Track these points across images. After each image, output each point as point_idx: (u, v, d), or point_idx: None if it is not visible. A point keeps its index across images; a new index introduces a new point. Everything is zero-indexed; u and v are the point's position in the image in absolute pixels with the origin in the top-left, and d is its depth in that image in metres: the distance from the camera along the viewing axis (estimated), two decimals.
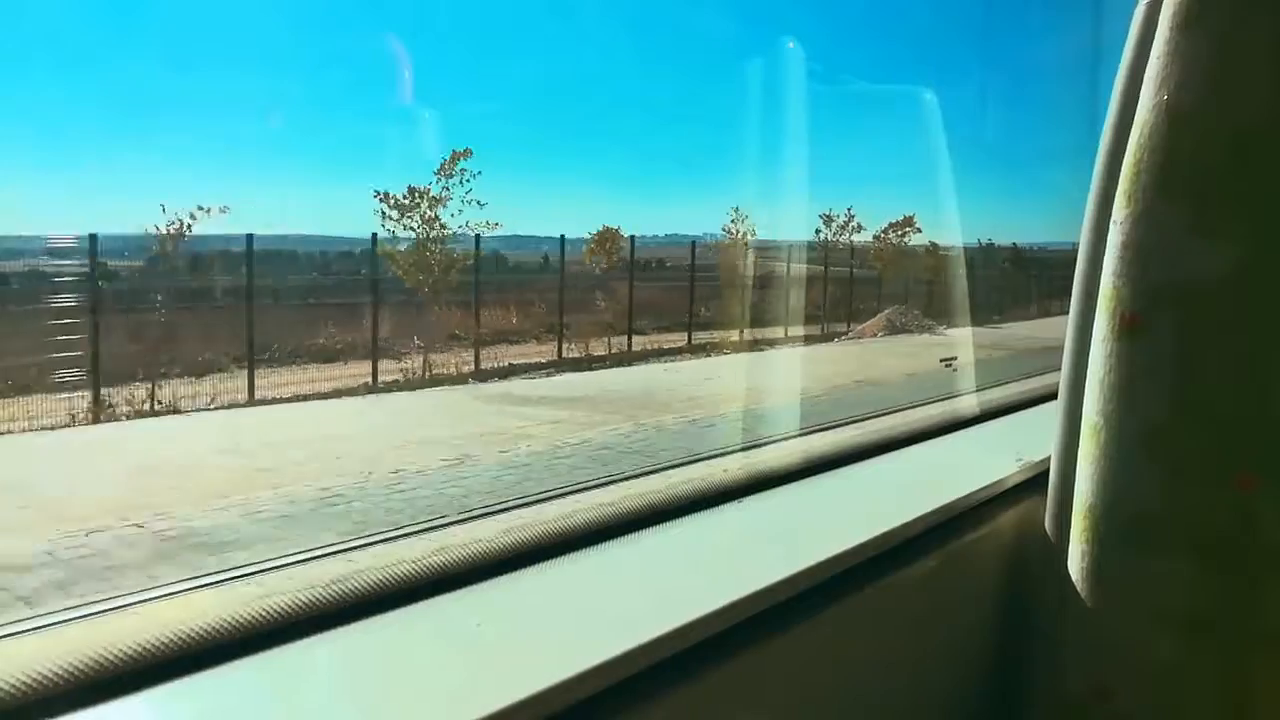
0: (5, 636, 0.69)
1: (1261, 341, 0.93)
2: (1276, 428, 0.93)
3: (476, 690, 0.59)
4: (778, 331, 13.87)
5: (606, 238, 14.36)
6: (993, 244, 17.98)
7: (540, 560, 0.79)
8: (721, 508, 0.99)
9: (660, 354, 12.90)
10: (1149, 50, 0.96)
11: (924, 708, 1.04)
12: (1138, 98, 0.96)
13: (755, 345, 13.17)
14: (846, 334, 15.27)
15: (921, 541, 1.00)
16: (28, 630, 0.70)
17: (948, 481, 1.12)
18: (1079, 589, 1.02)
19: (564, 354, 12.14)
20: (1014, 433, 1.45)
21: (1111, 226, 0.98)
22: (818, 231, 16.00)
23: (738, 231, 14.93)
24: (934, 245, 16.42)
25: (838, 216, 16.34)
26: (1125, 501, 0.98)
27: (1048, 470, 1.10)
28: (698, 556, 0.90)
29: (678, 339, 13.67)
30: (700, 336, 13.78)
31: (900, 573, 0.95)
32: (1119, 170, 0.98)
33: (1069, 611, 1.03)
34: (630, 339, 13.05)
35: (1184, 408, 0.95)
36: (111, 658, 0.56)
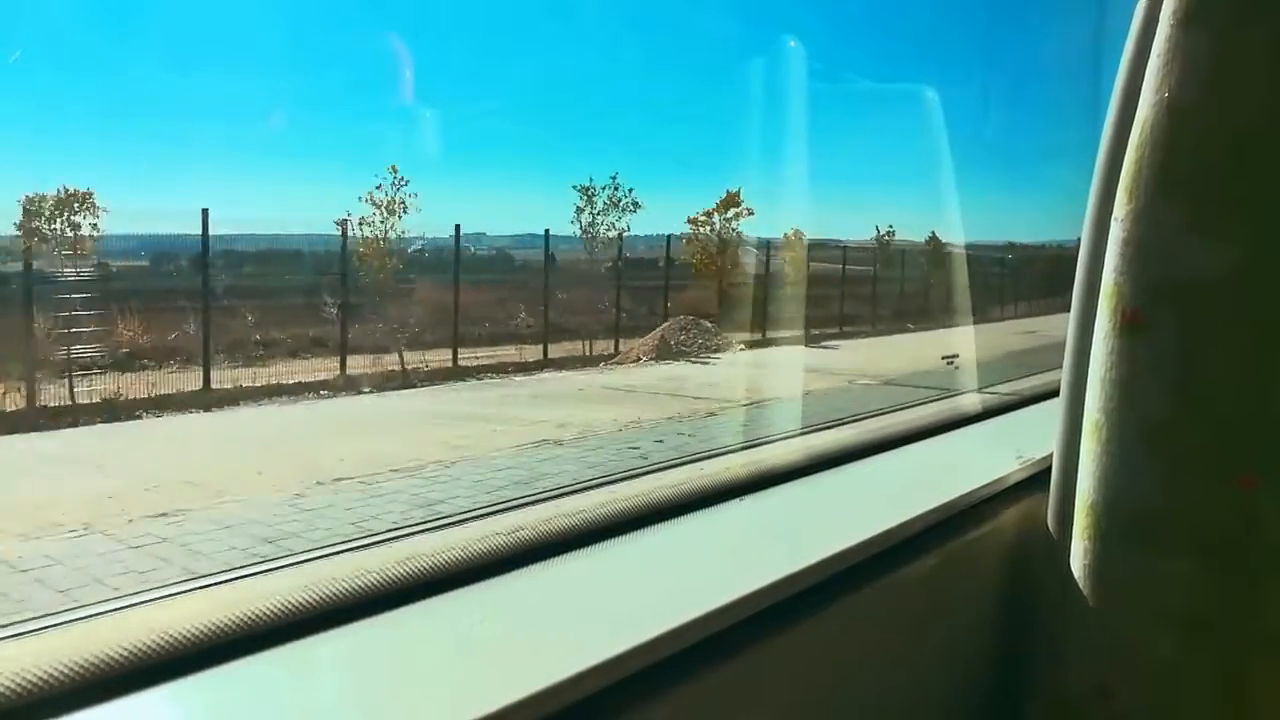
0: (10, 637, 0.69)
1: (1263, 338, 0.93)
2: (1278, 425, 0.93)
3: (479, 688, 0.60)
4: (517, 353, 11.25)
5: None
6: (892, 234, 15.12)
7: (542, 559, 0.79)
8: (723, 505, 0.99)
9: (267, 394, 8.88)
10: (1149, 47, 0.95)
11: (925, 706, 1.04)
12: (1138, 95, 0.96)
13: (433, 377, 10.11)
14: (614, 358, 11.96)
15: (923, 539, 1.00)
16: (34, 630, 0.71)
17: (949, 479, 1.12)
18: (1081, 587, 1.02)
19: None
20: (1016, 430, 1.45)
21: (1112, 223, 0.98)
22: (579, 210, 12.18)
23: (386, 203, 10.43)
24: (796, 234, 13.48)
25: (599, 190, 12.23)
26: (1127, 499, 0.98)
27: (1050, 468, 1.10)
28: (699, 554, 0.90)
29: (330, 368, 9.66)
30: (385, 361, 10.14)
31: (902, 570, 0.95)
32: (1120, 167, 0.97)
33: (1071, 610, 1.03)
34: (206, 372, 8.71)
35: (1185, 405, 0.95)
36: (116, 656, 0.56)
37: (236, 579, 0.79)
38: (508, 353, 11.55)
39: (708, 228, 13.48)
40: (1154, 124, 0.94)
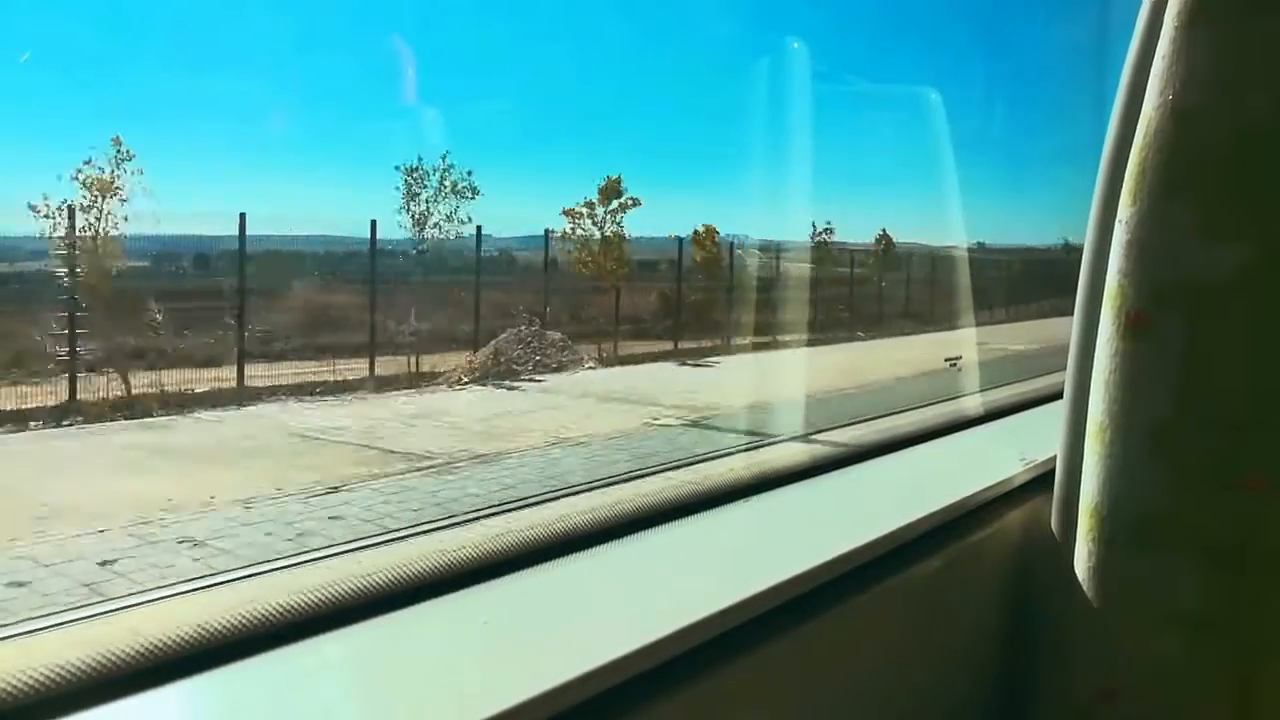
0: (20, 635, 0.69)
1: (1267, 340, 0.93)
2: None
3: (486, 688, 0.60)
4: (331, 370, 9.21)
5: None
6: (830, 232, 13.45)
7: (548, 559, 0.79)
8: (728, 507, 0.99)
9: None
10: (1154, 48, 0.96)
11: (930, 707, 1.04)
12: (1143, 96, 0.96)
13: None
14: (437, 380, 9.70)
15: (928, 541, 1.00)
16: (41, 629, 0.71)
17: (954, 481, 1.12)
18: (1085, 589, 1.02)
19: None
20: (1021, 432, 1.45)
21: (1117, 225, 0.98)
22: (409, 196, 10.13)
23: (98, 183, 7.67)
24: (708, 231, 11.93)
25: (429, 171, 10.14)
26: (1131, 501, 0.98)
27: (1054, 470, 1.10)
28: (704, 555, 0.91)
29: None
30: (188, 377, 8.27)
31: (907, 572, 0.95)
32: (1124, 168, 0.98)
33: (1075, 612, 1.03)
34: None
35: (1189, 407, 0.95)
36: (125, 655, 0.56)
37: (249, 576, 0.79)
38: (320, 370, 9.23)
39: (589, 221, 11.61)
40: (1158, 125, 0.94)
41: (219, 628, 0.60)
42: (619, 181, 11.53)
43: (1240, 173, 0.93)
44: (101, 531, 5.23)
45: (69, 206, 8.01)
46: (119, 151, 7.84)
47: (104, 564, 4.77)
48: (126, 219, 8.21)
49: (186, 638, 0.58)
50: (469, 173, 10.55)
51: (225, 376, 9.06)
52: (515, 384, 10.02)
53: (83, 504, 5.70)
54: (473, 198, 10.60)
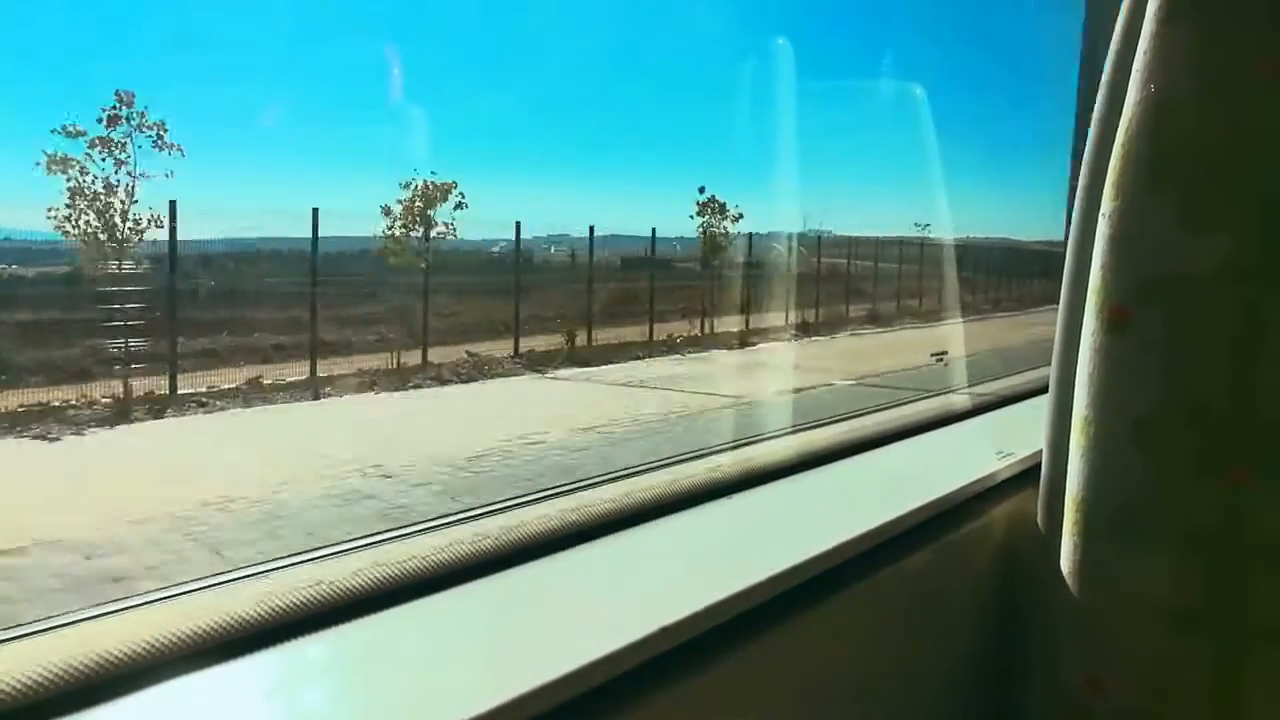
0: (11, 640, 0.69)
1: (1249, 333, 0.94)
2: (1265, 421, 0.94)
3: (469, 688, 0.60)
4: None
5: None
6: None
7: (531, 559, 0.79)
8: (713, 504, 0.99)
9: None
10: (1135, 43, 0.96)
11: (918, 701, 1.05)
12: (1125, 90, 0.97)
13: None
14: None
15: (915, 535, 1.00)
16: (31, 633, 0.71)
17: (941, 475, 1.12)
18: (1071, 582, 1.02)
19: None
20: (1007, 427, 1.46)
21: (1099, 219, 0.99)
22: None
23: None
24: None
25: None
26: (1115, 494, 0.99)
27: (1039, 464, 1.11)
28: (689, 553, 0.91)
29: None
30: None
31: (894, 566, 0.95)
32: (1106, 163, 0.98)
33: (1061, 604, 1.04)
34: None
35: (1172, 401, 0.95)
36: (110, 659, 0.56)
37: (240, 578, 0.79)
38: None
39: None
40: (1140, 120, 0.95)
41: (202, 630, 0.59)
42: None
43: (1222, 167, 0.93)
44: None
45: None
46: None
47: None
48: None
49: (168, 641, 0.58)
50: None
51: None
52: None
53: None
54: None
